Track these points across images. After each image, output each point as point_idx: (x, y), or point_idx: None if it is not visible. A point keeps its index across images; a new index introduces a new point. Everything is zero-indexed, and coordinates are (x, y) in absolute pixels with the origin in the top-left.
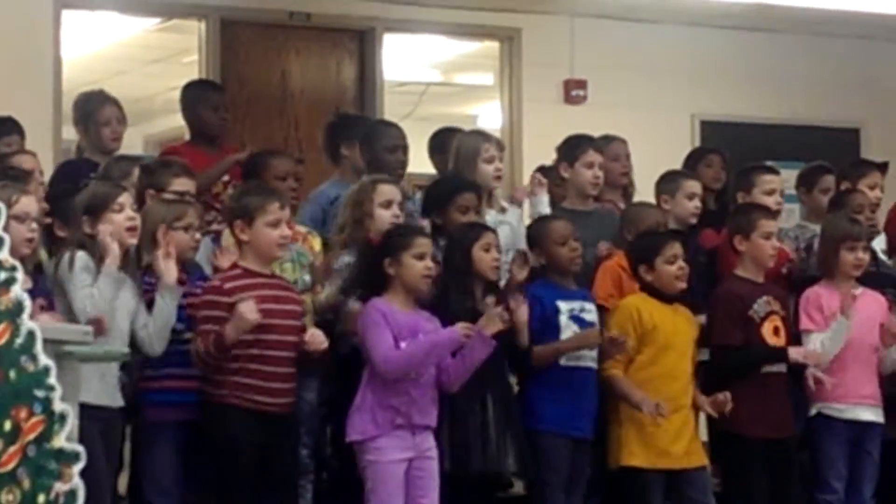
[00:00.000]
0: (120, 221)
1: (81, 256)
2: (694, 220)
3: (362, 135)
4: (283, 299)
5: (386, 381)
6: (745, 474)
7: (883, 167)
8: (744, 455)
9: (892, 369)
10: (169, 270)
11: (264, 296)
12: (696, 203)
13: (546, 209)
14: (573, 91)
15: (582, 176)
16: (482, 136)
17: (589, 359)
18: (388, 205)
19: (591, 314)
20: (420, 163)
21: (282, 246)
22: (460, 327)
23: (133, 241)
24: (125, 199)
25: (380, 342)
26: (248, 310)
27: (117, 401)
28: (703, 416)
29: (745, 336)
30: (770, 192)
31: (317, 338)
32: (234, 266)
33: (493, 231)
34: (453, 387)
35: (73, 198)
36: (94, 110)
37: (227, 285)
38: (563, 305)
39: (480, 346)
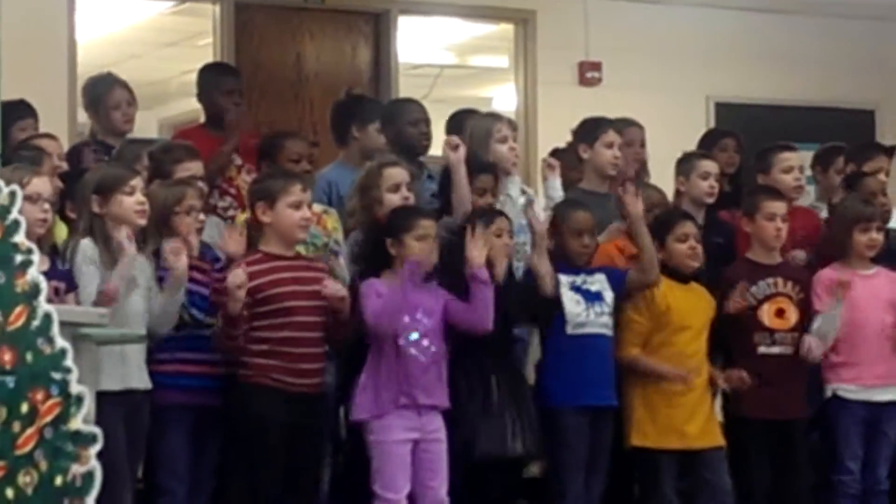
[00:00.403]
0: (130, 204)
1: (84, 247)
2: (710, 200)
3: (382, 114)
4: (307, 280)
5: (389, 361)
6: (746, 456)
7: (890, 151)
8: (744, 437)
9: None
10: (181, 266)
11: (286, 278)
12: (711, 183)
13: (559, 193)
14: (588, 73)
15: (602, 156)
16: (493, 116)
17: (596, 325)
18: (395, 188)
19: (595, 284)
20: (436, 145)
21: (303, 227)
22: None
23: (142, 222)
24: (137, 182)
25: (368, 305)
26: (235, 277)
27: (144, 382)
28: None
29: (744, 318)
30: (788, 170)
31: (332, 286)
32: (256, 251)
33: (506, 216)
34: (486, 323)
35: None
36: (103, 94)
37: (251, 269)
38: (564, 278)
39: (480, 285)
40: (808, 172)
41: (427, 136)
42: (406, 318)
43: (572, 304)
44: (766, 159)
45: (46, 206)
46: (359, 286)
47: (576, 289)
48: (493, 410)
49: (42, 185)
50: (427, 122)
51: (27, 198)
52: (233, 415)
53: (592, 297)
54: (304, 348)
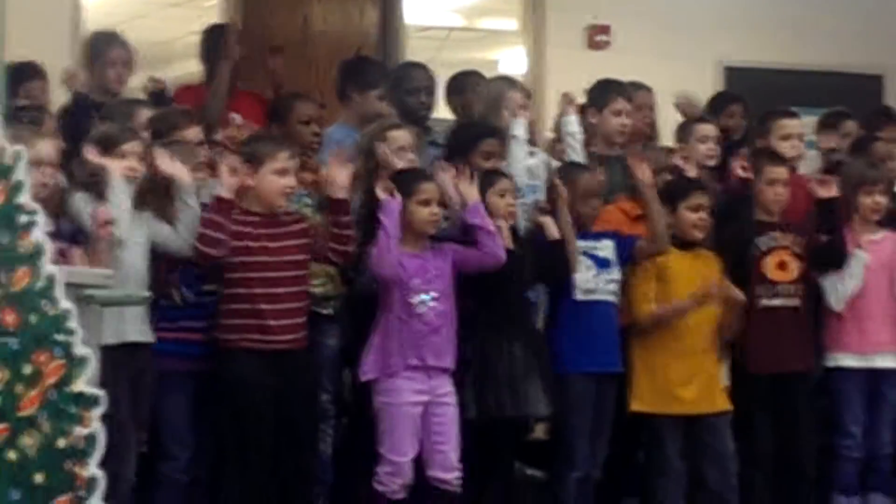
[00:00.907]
0: (117, 169)
1: (79, 199)
2: (711, 163)
3: (391, 80)
4: (281, 236)
5: (399, 322)
6: (750, 416)
7: None
8: (748, 395)
9: None
10: (180, 171)
11: (261, 234)
12: (710, 146)
13: (575, 128)
14: (597, 36)
15: (609, 124)
16: (507, 81)
17: (604, 292)
18: (400, 151)
19: (605, 251)
20: (443, 108)
21: (285, 195)
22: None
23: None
24: (131, 147)
25: (378, 255)
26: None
27: (145, 335)
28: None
29: (746, 270)
30: (786, 137)
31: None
32: (235, 206)
33: (508, 177)
34: (499, 254)
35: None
36: (104, 50)
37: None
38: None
39: (479, 221)
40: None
41: (427, 105)
42: (416, 280)
43: (582, 269)
44: (765, 124)
45: (49, 170)
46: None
47: (585, 254)
48: (517, 371)
49: (45, 148)
50: (429, 90)
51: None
52: (219, 379)
53: (602, 264)
54: (280, 304)
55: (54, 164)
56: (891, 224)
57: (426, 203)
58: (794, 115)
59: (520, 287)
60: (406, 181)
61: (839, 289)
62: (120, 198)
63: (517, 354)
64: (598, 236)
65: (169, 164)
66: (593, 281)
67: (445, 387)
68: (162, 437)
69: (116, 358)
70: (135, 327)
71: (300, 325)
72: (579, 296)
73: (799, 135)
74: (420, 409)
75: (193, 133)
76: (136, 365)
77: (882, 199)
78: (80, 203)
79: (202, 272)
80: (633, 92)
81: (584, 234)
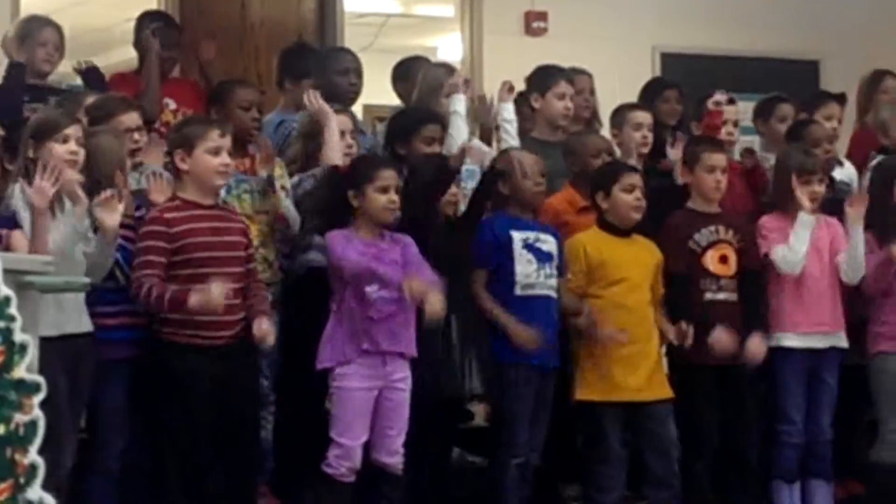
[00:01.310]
0: (60, 153)
1: (16, 191)
2: (644, 150)
3: (315, 65)
4: (224, 230)
5: (353, 310)
6: (693, 404)
7: (840, 98)
8: (691, 384)
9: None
10: (111, 220)
11: (202, 228)
12: (644, 133)
13: (511, 116)
14: (534, 23)
15: (553, 107)
16: (446, 68)
17: (544, 287)
18: (340, 135)
19: (547, 244)
20: (380, 94)
21: (222, 174)
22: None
23: (71, 174)
24: (73, 130)
25: (340, 247)
26: (218, 296)
27: (85, 325)
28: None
29: (687, 265)
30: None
31: (264, 332)
32: (174, 197)
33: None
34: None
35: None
36: (34, 30)
37: (168, 215)
38: (517, 235)
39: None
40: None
41: (356, 88)
42: (371, 268)
43: (524, 263)
44: (700, 109)
45: None
46: (325, 239)
47: (528, 246)
48: (454, 350)
49: None
50: (357, 71)
51: None
52: (156, 371)
53: (544, 258)
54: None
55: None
56: (830, 209)
57: (384, 190)
58: (730, 101)
59: (458, 272)
60: (364, 167)
61: (789, 256)
62: (80, 222)
63: (454, 335)
64: (543, 228)
65: (105, 215)
66: (534, 275)
67: (400, 372)
68: (97, 424)
69: (54, 347)
70: (73, 317)
71: (239, 321)
72: (518, 291)
73: (734, 121)
74: (374, 393)
75: (131, 119)
76: (75, 353)
77: (819, 189)
78: (19, 193)
79: None
80: (571, 76)
81: (528, 223)
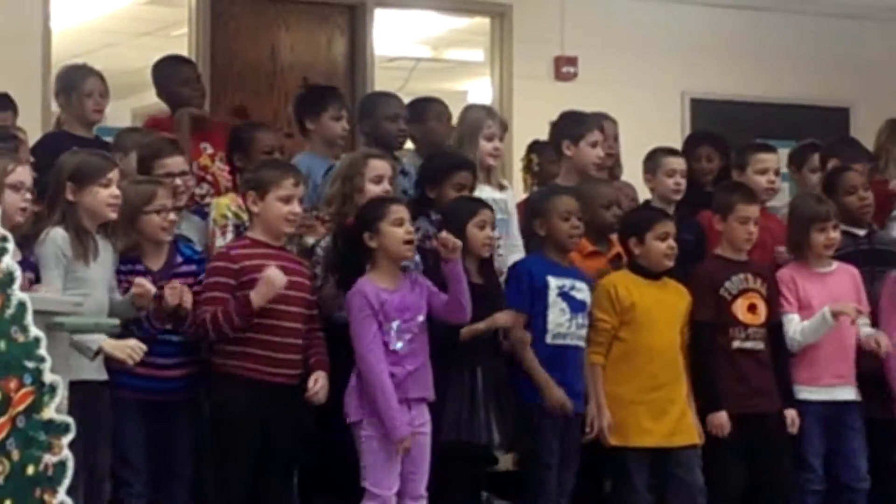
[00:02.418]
0: (104, 197)
1: (55, 236)
2: (677, 197)
3: (359, 107)
4: (290, 271)
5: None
6: (720, 452)
7: (872, 157)
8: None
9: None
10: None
11: (269, 265)
12: (677, 180)
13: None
14: (564, 67)
15: (587, 155)
16: (486, 111)
17: (574, 337)
18: (378, 180)
19: (581, 293)
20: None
21: (290, 222)
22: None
23: (113, 216)
24: (114, 174)
25: (362, 334)
26: (276, 275)
27: (99, 373)
28: None
29: (716, 313)
30: (762, 171)
31: (319, 387)
32: (243, 237)
33: (490, 208)
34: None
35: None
36: (78, 82)
37: (235, 252)
38: (553, 281)
39: (453, 279)
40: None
41: (404, 133)
42: (397, 323)
43: (557, 312)
44: (743, 157)
45: (28, 195)
46: (343, 297)
47: (563, 294)
48: (478, 401)
49: (25, 173)
50: (405, 117)
51: (11, 186)
52: (208, 404)
53: (577, 307)
54: (284, 338)
55: (32, 190)
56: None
57: (399, 223)
58: (771, 149)
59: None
60: (373, 207)
61: (798, 340)
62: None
63: (478, 384)
64: (579, 275)
65: (171, 300)
66: (566, 325)
67: (424, 416)
68: (116, 464)
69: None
70: (90, 364)
71: (298, 362)
72: (549, 339)
73: (775, 169)
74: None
75: (175, 163)
76: (87, 391)
77: (835, 235)
78: (59, 239)
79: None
80: (599, 122)
81: (564, 270)
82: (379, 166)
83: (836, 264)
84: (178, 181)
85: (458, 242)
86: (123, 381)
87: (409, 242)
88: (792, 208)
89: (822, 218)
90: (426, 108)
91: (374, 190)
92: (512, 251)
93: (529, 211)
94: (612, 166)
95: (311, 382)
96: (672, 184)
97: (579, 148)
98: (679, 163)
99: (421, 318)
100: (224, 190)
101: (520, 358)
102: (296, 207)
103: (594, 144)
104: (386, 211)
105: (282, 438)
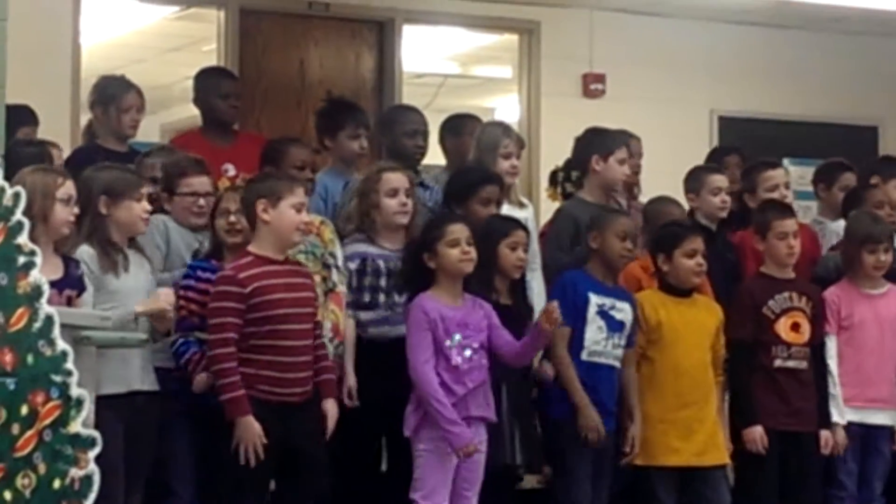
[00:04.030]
0: (138, 211)
1: (81, 253)
2: (723, 215)
3: (380, 119)
4: (297, 286)
5: (441, 377)
6: (755, 467)
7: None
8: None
9: None
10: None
11: (277, 284)
12: (723, 198)
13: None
14: (592, 85)
15: (615, 172)
16: (503, 129)
17: (610, 356)
18: (393, 193)
19: (622, 313)
20: (438, 155)
21: (301, 231)
22: (464, 451)
23: (144, 230)
24: (146, 190)
25: (418, 349)
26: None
27: (149, 384)
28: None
29: (756, 332)
30: (772, 189)
31: (331, 417)
32: (246, 252)
33: (525, 230)
34: (525, 363)
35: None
36: (118, 95)
37: (241, 275)
38: (594, 298)
39: (539, 339)
40: (810, 188)
41: (422, 149)
42: (458, 336)
43: (594, 330)
44: (750, 179)
45: (76, 209)
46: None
47: (602, 313)
48: (503, 420)
49: (72, 187)
50: (424, 133)
51: (61, 200)
52: (220, 425)
53: (615, 327)
54: (294, 357)
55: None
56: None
57: (455, 244)
58: (777, 165)
59: (517, 337)
60: (432, 228)
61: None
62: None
63: (503, 402)
64: (622, 295)
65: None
66: (602, 344)
67: (481, 435)
68: (165, 475)
69: (115, 401)
70: (139, 375)
71: (309, 378)
72: (584, 356)
73: (785, 183)
74: (456, 458)
75: (200, 183)
76: (135, 405)
77: (886, 258)
78: (85, 256)
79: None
80: (626, 140)
81: (607, 288)
82: (393, 179)
83: (888, 286)
84: (202, 201)
85: (560, 318)
86: (175, 389)
87: (464, 261)
88: (847, 225)
89: (874, 239)
90: (463, 124)
91: (390, 203)
92: (531, 270)
93: (589, 224)
94: (632, 185)
95: (324, 408)
96: (718, 202)
97: (608, 164)
98: (722, 180)
99: (481, 336)
100: None
101: (559, 374)
102: (306, 217)
103: (622, 162)
104: (443, 232)
105: (299, 458)
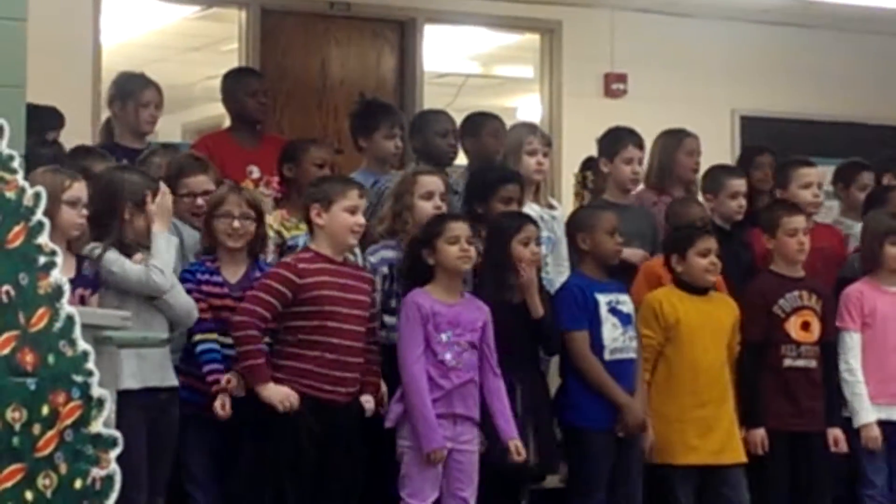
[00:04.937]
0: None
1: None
2: (739, 218)
3: (411, 123)
4: (351, 288)
5: (429, 370)
6: (765, 468)
7: None
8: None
9: None
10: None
11: (332, 283)
12: (741, 202)
13: None
14: (613, 84)
15: (621, 172)
16: (528, 127)
17: (629, 350)
18: (429, 196)
19: (626, 305)
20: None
21: (356, 233)
22: (433, 456)
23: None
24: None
25: (409, 344)
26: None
27: (167, 380)
28: None
29: (766, 331)
30: (806, 186)
31: (368, 410)
32: (306, 249)
33: (535, 224)
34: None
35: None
36: (136, 91)
37: (301, 266)
38: (602, 298)
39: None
40: (830, 188)
41: (455, 148)
42: (448, 333)
43: (610, 327)
44: (785, 174)
45: (84, 210)
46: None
47: (613, 310)
48: (516, 419)
49: (82, 189)
50: (455, 133)
51: (67, 202)
52: (262, 420)
53: (625, 320)
54: (342, 356)
55: (88, 205)
56: None
57: (454, 241)
58: (811, 163)
59: (530, 336)
60: (433, 224)
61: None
62: (165, 250)
63: (518, 401)
64: (619, 288)
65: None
66: (620, 339)
67: (469, 433)
68: (183, 479)
69: (136, 399)
70: (157, 371)
71: (356, 380)
72: (607, 356)
73: (819, 183)
74: (443, 454)
75: (197, 182)
76: (156, 402)
77: None
78: (111, 258)
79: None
80: (681, 139)
81: (607, 285)
82: (429, 182)
83: None
84: (200, 201)
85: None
86: (189, 394)
87: (462, 259)
88: (865, 223)
89: (895, 231)
90: (482, 124)
91: (425, 206)
92: (560, 273)
93: (572, 226)
94: (689, 182)
95: (363, 400)
96: (736, 206)
97: (614, 164)
98: (742, 184)
99: (473, 335)
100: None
101: (590, 380)
102: (360, 219)
103: (628, 161)
104: (443, 229)
105: (339, 457)
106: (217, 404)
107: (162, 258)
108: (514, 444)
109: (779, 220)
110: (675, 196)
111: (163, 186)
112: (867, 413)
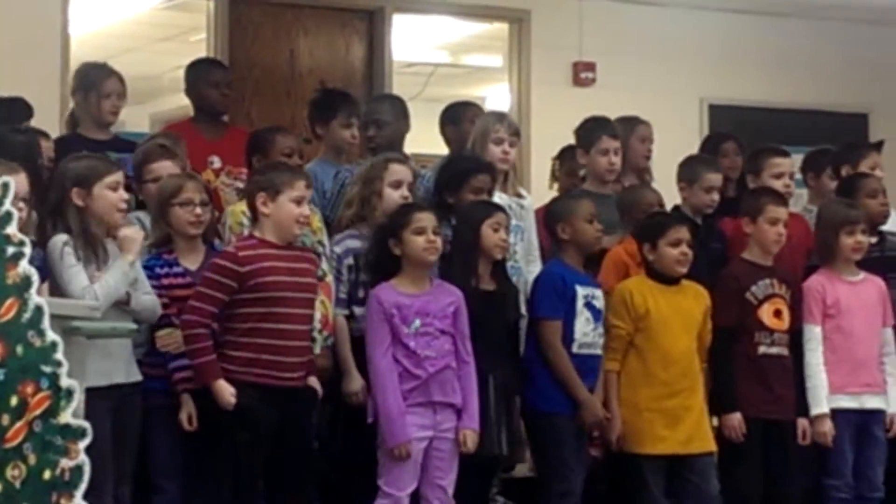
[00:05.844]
0: (114, 200)
1: (56, 245)
2: (709, 211)
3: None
4: (298, 271)
5: (401, 363)
6: (737, 457)
7: (879, 146)
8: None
9: None
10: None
11: (278, 267)
12: (714, 197)
13: None
14: (582, 73)
15: (598, 163)
16: (496, 116)
17: (597, 346)
18: (397, 185)
19: (599, 301)
20: (428, 143)
21: (301, 224)
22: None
23: (121, 221)
24: (120, 177)
25: (374, 340)
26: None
27: (132, 375)
28: None
29: (740, 317)
30: (778, 176)
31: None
32: (249, 236)
33: (504, 211)
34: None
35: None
36: (98, 81)
37: (242, 253)
38: (580, 290)
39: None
40: (800, 175)
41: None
42: (417, 322)
43: (583, 321)
44: (756, 162)
45: (21, 204)
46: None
47: (588, 305)
48: (490, 412)
49: (20, 182)
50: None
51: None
52: (214, 411)
53: (597, 316)
54: (291, 341)
55: (27, 197)
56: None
57: (421, 232)
58: (785, 153)
59: (501, 324)
60: (399, 215)
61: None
62: (114, 277)
63: (490, 393)
64: (596, 283)
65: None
66: (591, 335)
67: (449, 422)
68: (150, 470)
69: (100, 392)
70: (122, 367)
71: (307, 363)
72: (575, 349)
73: (790, 173)
74: (424, 444)
75: (162, 167)
76: (120, 396)
77: (863, 238)
78: (66, 246)
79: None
80: (632, 127)
81: (586, 279)
82: (399, 171)
83: (863, 274)
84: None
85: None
86: (155, 385)
87: (428, 250)
88: (820, 212)
89: (851, 220)
90: (462, 112)
91: (392, 194)
92: (529, 262)
93: (551, 216)
94: (642, 170)
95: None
96: (709, 200)
97: (591, 156)
98: (718, 179)
99: (443, 322)
100: (225, 203)
101: (555, 369)
102: (306, 210)
103: (605, 152)
104: (409, 219)
105: (294, 442)
106: (183, 417)
107: (107, 284)
108: (465, 433)
109: (763, 207)
110: (626, 184)
111: (136, 223)
112: (821, 405)
